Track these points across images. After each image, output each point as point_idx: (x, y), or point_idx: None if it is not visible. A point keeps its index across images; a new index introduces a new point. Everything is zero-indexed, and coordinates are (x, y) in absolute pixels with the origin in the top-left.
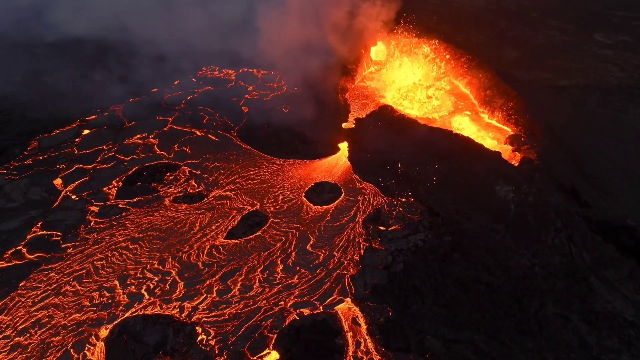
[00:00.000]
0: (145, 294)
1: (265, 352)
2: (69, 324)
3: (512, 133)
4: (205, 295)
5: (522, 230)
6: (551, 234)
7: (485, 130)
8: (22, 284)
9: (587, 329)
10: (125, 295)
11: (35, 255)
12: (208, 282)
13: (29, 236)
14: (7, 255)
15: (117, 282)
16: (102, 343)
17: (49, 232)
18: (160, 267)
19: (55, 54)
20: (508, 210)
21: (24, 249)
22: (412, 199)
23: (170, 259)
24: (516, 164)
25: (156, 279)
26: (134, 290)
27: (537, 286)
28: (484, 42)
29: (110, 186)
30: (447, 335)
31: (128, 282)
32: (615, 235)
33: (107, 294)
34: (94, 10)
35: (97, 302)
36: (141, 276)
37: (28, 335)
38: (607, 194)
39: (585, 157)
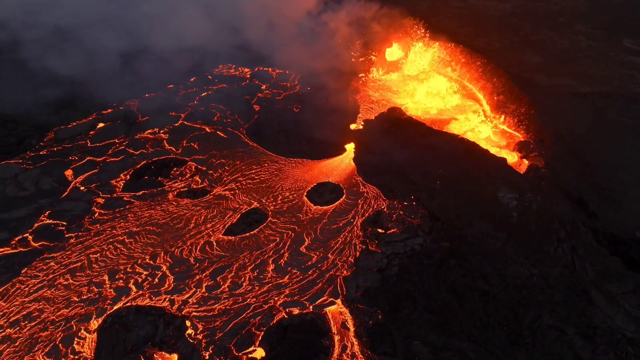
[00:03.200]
0: (133, 287)
1: (250, 348)
2: (57, 320)
3: (521, 139)
4: (194, 289)
5: (524, 239)
6: (554, 244)
7: (494, 136)
8: (24, 271)
9: (583, 343)
10: (112, 290)
11: (40, 243)
12: (198, 277)
13: (36, 224)
14: (14, 242)
15: (106, 277)
16: (95, 333)
17: (55, 222)
18: (152, 262)
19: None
20: (510, 217)
21: (30, 237)
22: (414, 203)
23: (162, 254)
24: (522, 171)
25: (145, 273)
26: (122, 285)
27: (534, 297)
28: (507, 46)
29: (118, 179)
30: (435, 342)
31: (117, 277)
32: (623, 248)
33: (95, 289)
34: None
35: (85, 297)
36: (131, 270)
37: (18, 328)
38: (617, 205)
39: (598, 167)
